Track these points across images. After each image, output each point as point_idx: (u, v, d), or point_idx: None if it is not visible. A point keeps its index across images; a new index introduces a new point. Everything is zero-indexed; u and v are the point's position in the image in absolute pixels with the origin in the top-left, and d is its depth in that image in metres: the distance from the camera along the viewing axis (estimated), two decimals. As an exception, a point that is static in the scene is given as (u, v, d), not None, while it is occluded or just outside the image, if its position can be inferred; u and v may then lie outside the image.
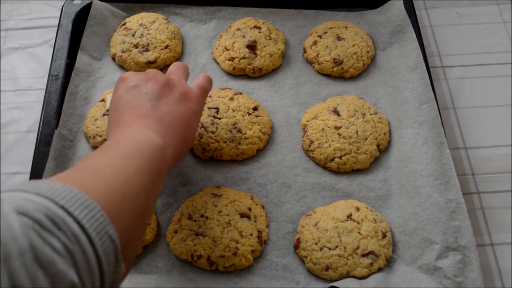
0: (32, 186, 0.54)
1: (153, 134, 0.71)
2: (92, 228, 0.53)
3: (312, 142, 0.97)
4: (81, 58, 1.09)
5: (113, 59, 1.12)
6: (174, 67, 0.87)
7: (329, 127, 0.97)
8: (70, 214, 0.52)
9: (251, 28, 1.11)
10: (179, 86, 0.81)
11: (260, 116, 1.00)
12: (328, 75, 1.09)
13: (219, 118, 0.99)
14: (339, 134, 0.97)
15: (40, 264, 0.47)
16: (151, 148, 0.69)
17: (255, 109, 1.00)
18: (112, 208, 0.57)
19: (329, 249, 0.85)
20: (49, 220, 0.49)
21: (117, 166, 0.64)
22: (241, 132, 0.98)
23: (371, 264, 0.84)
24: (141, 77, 0.80)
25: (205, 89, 0.85)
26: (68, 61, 1.07)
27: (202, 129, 0.98)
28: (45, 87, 1.04)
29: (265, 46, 1.09)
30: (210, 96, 1.02)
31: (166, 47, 1.10)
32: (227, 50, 1.09)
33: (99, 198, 0.56)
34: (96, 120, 1.00)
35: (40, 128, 0.99)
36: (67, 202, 0.52)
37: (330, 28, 1.12)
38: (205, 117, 0.99)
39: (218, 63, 1.11)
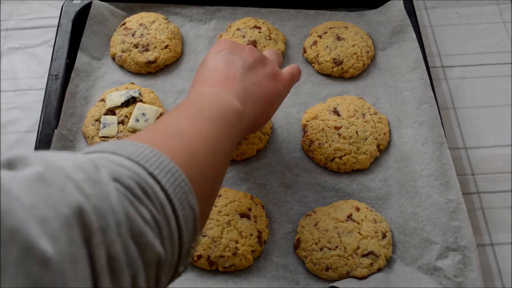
0: (121, 147, 0.53)
1: (235, 99, 0.71)
2: (176, 197, 0.52)
3: (312, 142, 0.97)
4: (81, 58, 1.09)
5: (113, 59, 1.12)
6: (268, 51, 0.88)
7: (329, 127, 0.97)
8: (158, 182, 0.51)
9: (251, 28, 1.11)
10: (271, 65, 0.81)
11: None
12: (328, 75, 1.09)
13: None
14: (339, 134, 0.97)
15: (132, 235, 0.46)
16: (233, 114, 0.69)
17: None
18: (194, 176, 0.56)
19: (329, 249, 0.85)
20: (140, 189, 0.48)
21: (201, 130, 0.63)
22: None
23: (371, 264, 0.84)
24: (238, 46, 0.81)
25: (295, 76, 0.86)
26: (68, 61, 1.07)
27: None
28: (45, 87, 1.04)
29: (265, 46, 1.09)
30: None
31: (166, 47, 1.10)
32: (227, 50, 1.09)
33: (183, 165, 0.55)
34: (96, 120, 1.00)
35: (40, 128, 0.99)
36: (156, 168, 0.52)
37: (330, 28, 1.12)
38: None
39: (218, 63, 1.10)
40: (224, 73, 0.75)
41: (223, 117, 0.67)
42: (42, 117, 1.00)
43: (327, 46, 1.09)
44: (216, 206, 0.89)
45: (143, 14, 1.16)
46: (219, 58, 0.78)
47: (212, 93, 0.71)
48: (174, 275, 0.55)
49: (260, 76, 0.78)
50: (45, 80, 1.06)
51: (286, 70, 0.85)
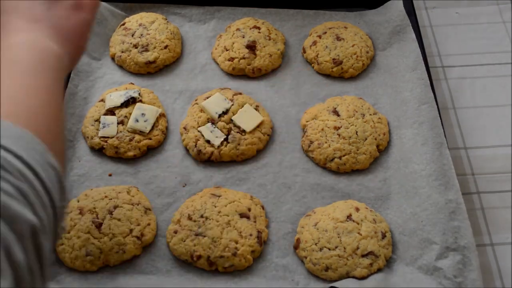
0: None
1: (51, 41, 0.67)
2: (34, 160, 0.51)
3: (311, 142, 0.97)
4: (81, 58, 1.08)
5: (113, 59, 1.12)
6: None
7: (328, 128, 0.97)
8: (9, 151, 0.49)
9: (250, 28, 1.11)
10: None
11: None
12: (327, 75, 1.09)
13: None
14: (339, 135, 0.97)
15: None
16: (54, 59, 0.65)
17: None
18: (42, 132, 0.55)
19: (329, 249, 0.85)
20: None
21: (29, 85, 0.60)
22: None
23: (371, 264, 0.84)
24: None
25: (97, 2, 0.79)
26: (67, 61, 1.07)
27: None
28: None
29: (264, 46, 1.09)
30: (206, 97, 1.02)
31: (166, 47, 1.10)
32: (227, 50, 1.09)
33: (28, 125, 0.54)
34: (95, 120, 1.00)
35: (40, 128, 0.99)
36: (4, 137, 0.50)
37: (330, 28, 1.12)
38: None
39: (217, 63, 1.11)
40: (25, 14, 0.68)
41: (47, 65, 0.64)
42: (41, 117, 1.00)
43: (326, 46, 1.09)
44: (216, 207, 0.89)
45: (143, 14, 1.16)
46: None
47: (26, 41, 0.65)
48: (56, 237, 0.54)
49: (65, 9, 0.72)
50: (44, 80, 1.06)
51: None
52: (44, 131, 0.56)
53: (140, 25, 1.13)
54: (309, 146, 0.97)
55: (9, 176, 0.48)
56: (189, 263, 0.87)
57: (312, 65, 1.10)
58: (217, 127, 0.99)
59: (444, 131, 0.96)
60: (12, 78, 0.60)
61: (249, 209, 0.89)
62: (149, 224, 0.89)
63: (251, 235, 0.87)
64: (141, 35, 1.11)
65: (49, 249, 0.51)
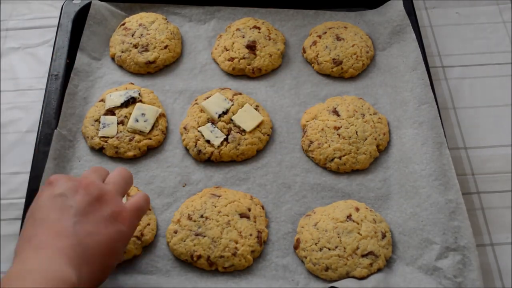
0: None
1: (66, 266, 0.63)
2: None
3: (311, 142, 0.97)
4: (81, 58, 1.09)
5: (113, 59, 1.12)
6: (116, 176, 0.77)
7: (328, 127, 0.97)
8: None
9: (250, 28, 1.11)
10: (111, 202, 0.72)
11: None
12: (327, 75, 1.09)
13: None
14: (339, 135, 0.97)
15: None
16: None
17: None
18: None
19: (329, 249, 0.85)
20: None
21: None
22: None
23: (371, 264, 0.84)
24: (70, 185, 0.71)
25: (141, 210, 0.76)
26: (68, 61, 1.07)
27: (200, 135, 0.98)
28: (45, 87, 1.04)
29: (264, 46, 1.09)
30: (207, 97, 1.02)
31: (166, 47, 1.10)
32: (227, 50, 1.09)
33: None
34: (95, 120, 1.00)
35: (40, 128, 0.99)
36: None
37: (330, 28, 1.12)
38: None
39: (217, 63, 1.11)
40: (53, 228, 0.66)
41: None
42: (42, 117, 1.00)
43: (326, 46, 1.09)
44: (216, 207, 0.89)
45: (143, 14, 1.16)
46: (49, 205, 0.68)
47: (39, 265, 0.62)
48: None
49: (98, 222, 0.69)
50: (45, 80, 1.06)
51: (131, 202, 0.75)
52: None
53: (140, 25, 1.13)
54: (309, 146, 0.97)
55: None
56: (189, 263, 0.87)
57: (312, 65, 1.10)
58: (217, 127, 0.99)
59: (444, 131, 0.96)
60: None
61: (249, 209, 0.89)
62: (149, 224, 0.89)
63: (251, 235, 0.87)
64: (141, 35, 1.11)
65: None
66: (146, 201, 0.77)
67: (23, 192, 0.92)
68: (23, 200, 0.91)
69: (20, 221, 0.89)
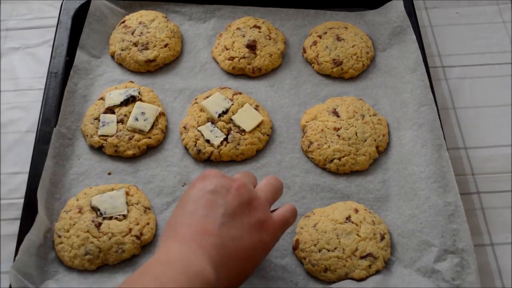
0: None
1: (207, 264, 0.64)
2: None
3: (311, 143, 0.97)
4: (80, 56, 1.09)
5: (112, 57, 1.12)
6: (267, 184, 0.77)
7: (328, 128, 0.97)
8: None
9: (250, 28, 1.11)
10: (260, 210, 0.72)
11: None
12: (327, 76, 1.09)
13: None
14: (339, 135, 0.97)
15: None
16: (203, 286, 0.62)
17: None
18: None
19: (328, 250, 0.85)
20: None
21: None
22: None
23: (370, 266, 0.84)
24: (224, 182, 0.72)
25: (287, 223, 0.76)
26: (67, 59, 1.07)
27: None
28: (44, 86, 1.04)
29: (264, 46, 1.09)
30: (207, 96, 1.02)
31: (166, 45, 1.10)
32: (227, 49, 1.09)
33: None
34: (95, 119, 1.00)
35: (39, 126, 0.99)
36: None
37: (330, 28, 1.12)
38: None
39: (217, 62, 1.10)
40: (201, 222, 0.67)
41: None
42: (41, 115, 1.00)
43: (327, 47, 1.08)
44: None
45: (143, 12, 1.15)
46: (200, 199, 0.70)
47: (182, 256, 0.64)
48: None
49: (243, 228, 0.69)
50: (44, 80, 1.06)
51: (278, 213, 0.75)
52: None
53: (140, 23, 1.12)
54: (308, 147, 0.97)
55: None
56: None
57: (312, 65, 1.09)
58: (217, 127, 0.99)
59: (443, 131, 0.96)
60: None
61: (248, 210, 0.89)
62: (148, 224, 0.89)
63: (250, 235, 0.87)
64: (141, 33, 1.11)
65: None
66: (293, 214, 0.77)
67: (23, 192, 0.92)
68: (23, 200, 0.91)
69: (19, 221, 0.89)
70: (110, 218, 0.88)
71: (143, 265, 0.65)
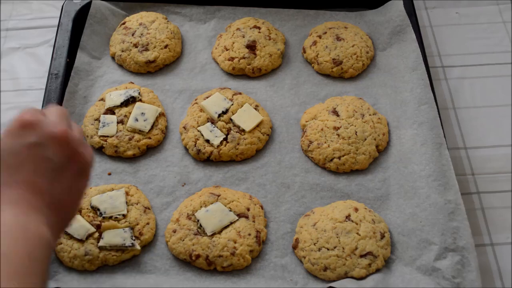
0: None
1: (43, 224, 0.61)
2: None
3: (311, 142, 0.97)
4: (81, 57, 1.09)
5: (113, 58, 1.12)
6: (61, 117, 0.69)
7: (328, 128, 0.97)
8: None
9: (250, 28, 1.11)
10: (82, 155, 0.67)
11: None
12: (327, 75, 1.09)
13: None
14: (338, 135, 0.97)
15: None
16: (44, 248, 0.60)
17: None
18: None
19: (328, 249, 0.85)
20: None
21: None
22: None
23: (369, 264, 0.84)
24: (46, 131, 0.64)
25: (92, 160, 0.71)
26: (68, 60, 1.08)
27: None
28: (44, 86, 1.04)
29: (264, 46, 1.09)
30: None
31: (166, 46, 1.10)
32: (227, 50, 1.09)
33: None
34: (95, 119, 1.00)
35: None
36: None
37: (330, 28, 1.12)
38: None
39: (217, 63, 1.11)
40: (29, 183, 0.62)
41: (32, 257, 0.58)
42: (41, 116, 1.00)
43: (326, 46, 1.09)
44: (215, 206, 0.89)
45: (143, 13, 1.16)
46: (22, 155, 0.62)
47: (17, 224, 0.59)
48: None
49: (72, 178, 0.66)
50: (45, 80, 1.07)
51: (88, 153, 0.69)
52: None
53: (140, 24, 1.13)
54: (308, 146, 0.97)
55: None
56: (187, 263, 0.87)
57: (312, 65, 1.10)
58: (217, 127, 0.99)
59: (444, 131, 0.96)
60: None
61: (248, 209, 0.89)
62: (148, 223, 0.89)
63: (249, 234, 0.87)
64: (141, 34, 1.11)
65: None
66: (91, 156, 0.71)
67: (22, 191, 0.92)
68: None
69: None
70: (110, 218, 0.88)
71: None
